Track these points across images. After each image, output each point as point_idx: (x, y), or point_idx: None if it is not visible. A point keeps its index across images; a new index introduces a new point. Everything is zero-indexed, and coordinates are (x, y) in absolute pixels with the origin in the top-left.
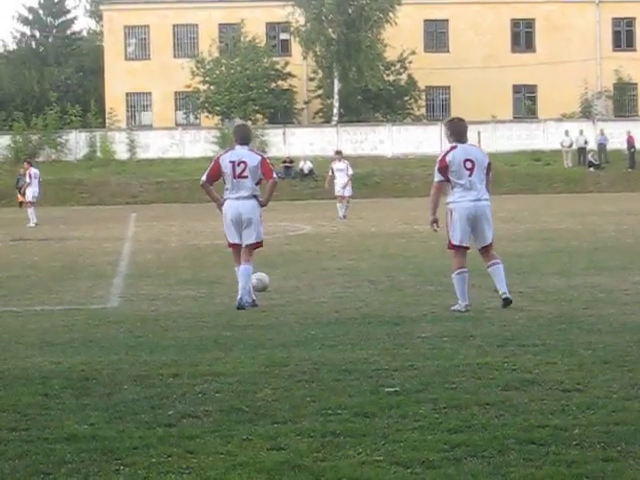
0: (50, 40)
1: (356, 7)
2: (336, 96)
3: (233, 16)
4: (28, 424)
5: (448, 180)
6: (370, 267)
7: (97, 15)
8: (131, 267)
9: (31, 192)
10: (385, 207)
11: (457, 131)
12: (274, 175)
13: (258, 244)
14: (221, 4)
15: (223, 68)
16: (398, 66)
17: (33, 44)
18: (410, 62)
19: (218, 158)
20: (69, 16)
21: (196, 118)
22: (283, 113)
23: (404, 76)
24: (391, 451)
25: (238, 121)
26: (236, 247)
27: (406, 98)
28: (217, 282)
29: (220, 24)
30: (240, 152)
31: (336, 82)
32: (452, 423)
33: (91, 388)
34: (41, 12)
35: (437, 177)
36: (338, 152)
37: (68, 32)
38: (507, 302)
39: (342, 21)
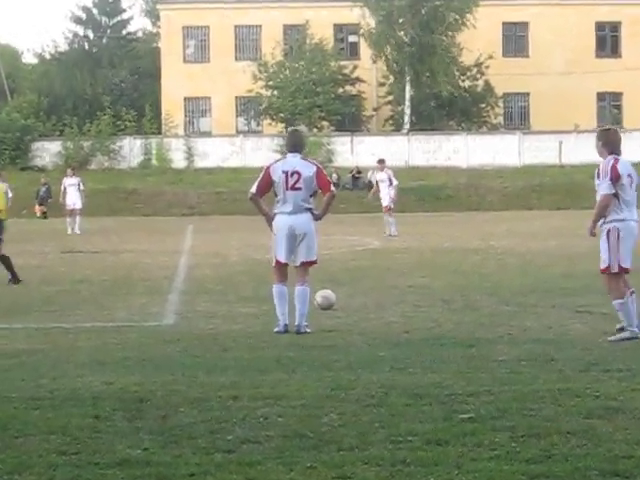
0: (104, 41)
1: (430, 8)
2: (408, 102)
3: (298, 17)
4: (78, 448)
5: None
6: (443, 285)
7: (154, 15)
8: (188, 282)
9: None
10: (459, 221)
11: (614, 142)
12: (332, 187)
13: (313, 262)
14: (285, 4)
15: (287, 72)
16: (474, 71)
17: (86, 45)
18: (487, 67)
19: (269, 168)
20: (124, 16)
21: (258, 125)
22: (351, 120)
23: (480, 82)
24: None
25: (303, 128)
26: (283, 266)
27: (482, 105)
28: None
29: (284, 25)
30: (293, 161)
31: (408, 88)
32: (531, 453)
33: (145, 410)
34: (95, 11)
35: (609, 189)
36: (380, 161)
37: (123, 33)
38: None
39: (415, 23)
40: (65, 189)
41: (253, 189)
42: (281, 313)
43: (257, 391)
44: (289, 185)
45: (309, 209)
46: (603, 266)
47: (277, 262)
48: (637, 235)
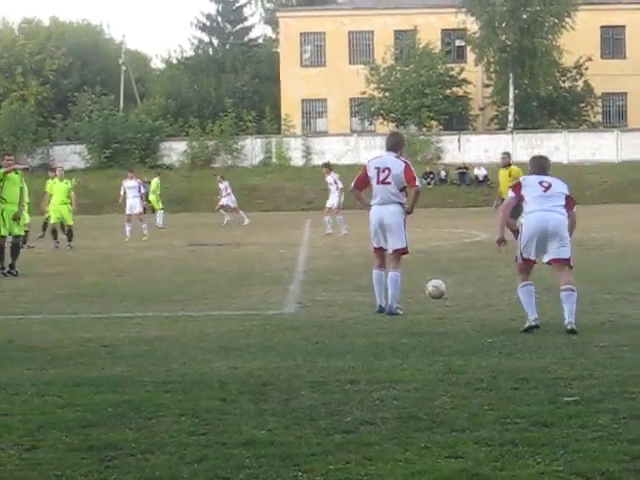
0: (227, 47)
1: (530, 13)
2: (511, 102)
3: (408, 22)
4: (207, 429)
5: None
6: (545, 275)
7: (273, 22)
8: (307, 273)
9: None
10: None
11: None
12: (417, 183)
13: (403, 250)
14: (397, 11)
15: (398, 75)
16: (574, 72)
17: (210, 51)
18: (586, 68)
19: (366, 165)
20: (246, 23)
21: (371, 124)
22: (458, 120)
23: (580, 82)
24: (570, 461)
25: (413, 128)
26: (379, 251)
27: (582, 105)
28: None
29: (395, 30)
30: (386, 159)
31: (511, 89)
32: (633, 434)
33: (269, 393)
34: (219, 19)
35: None
36: (326, 165)
37: (245, 39)
38: None
39: (516, 27)
40: (125, 192)
41: (353, 184)
42: (378, 295)
43: (373, 375)
44: (380, 179)
45: (399, 202)
46: None
47: (373, 248)
48: None
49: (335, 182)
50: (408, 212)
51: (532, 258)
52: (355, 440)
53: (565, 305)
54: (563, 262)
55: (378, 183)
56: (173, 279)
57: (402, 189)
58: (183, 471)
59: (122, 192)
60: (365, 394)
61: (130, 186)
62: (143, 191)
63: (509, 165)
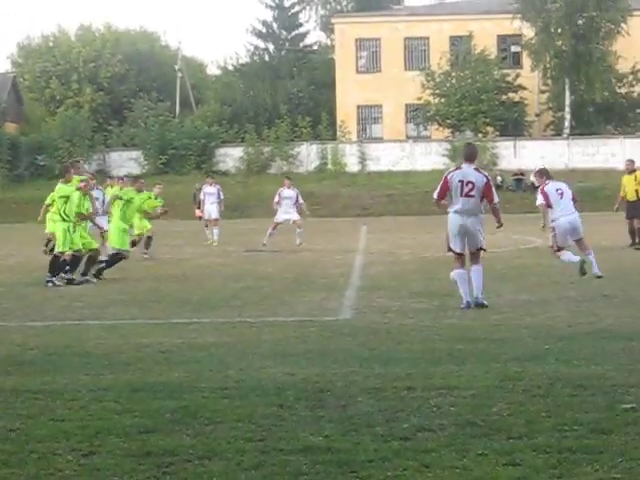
0: (283, 53)
1: (586, 19)
2: (567, 108)
3: (463, 28)
4: (263, 435)
5: None
6: (603, 281)
7: (328, 28)
8: (363, 279)
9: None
10: (617, 221)
11: None
12: (495, 199)
13: (483, 249)
14: (452, 17)
15: (453, 80)
16: (630, 78)
17: (266, 57)
18: None
19: (447, 177)
20: (302, 30)
21: (426, 130)
22: (514, 125)
23: (637, 88)
24: (629, 469)
25: (469, 134)
26: (460, 254)
27: (638, 111)
28: (449, 295)
29: (451, 36)
30: (467, 172)
31: (567, 94)
32: None
33: (325, 400)
34: (275, 26)
35: None
36: (208, 175)
37: (300, 45)
38: None
39: (571, 33)
40: (204, 198)
41: (435, 195)
42: (464, 292)
43: (430, 382)
44: (464, 192)
45: (479, 213)
46: None
47: (455, 253)
48: None
49: (219, 193)
50: (499, 226)
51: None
52: (412, 447)
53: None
54: None
55: (462, 195)
56: (229, 285)
57: (481, 199)
58: (240, 477)
59: (202, 197)
60: (422, 401)
61: (210, 192)
62: (222, 197)
63: (634, 171)
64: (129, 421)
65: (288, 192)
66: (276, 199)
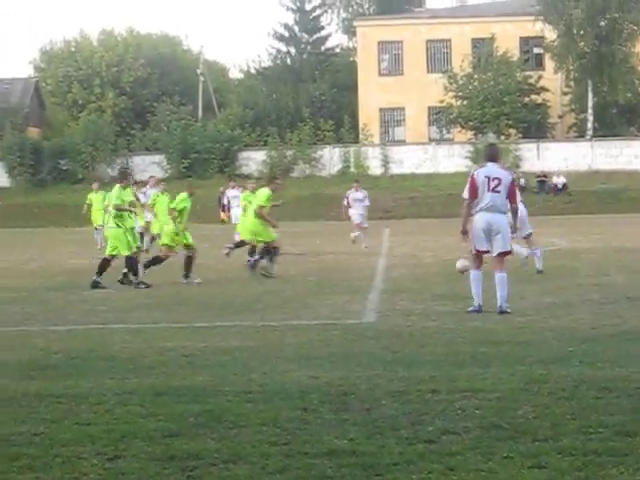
0: (305, 56)
1: (608, 20)
2: (590, 110)
3: (485, 30)
4: (288, 438)
5: None
6: (627, 283)
7: (350, 31)
8: (386, 282)
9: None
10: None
11: None
12: (517, 202)
13: (508, 252)
14: (474, 19)
15: (476, 83)
16: None
17: (288, 60)
18: None
19: (473, 174)
20: (323, 33)
21: (449, 132)
22: (537, 127)
23: None
24: None
25: (491, 136)
26: (481, 254)
27: None
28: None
29: (473, 39)
30: (492, 169)
31: (590, 96)
32: None
33: (349, 403)
34: (296, 29)
35: None
36: (153, 179)
37: (322, 48)
38: None
39: (593, 35)
40: (229, 202)
41: (465, 194)
42: (476, 295)
43: (454, 385)
44: (490, 187)
45: (506, 211)
46: None
47: (477, 251)
48: None
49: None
50: (514, 232)
51: None
52: (437, 450)
53: None
54: None
55: (489, 191)
56: (252, 288)
57: (507, 197)
58: None
59: (225, 202)
60: (446, 403)
61: (234, 195)
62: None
63: None
64: (153, 425)
65: (356, 194)
66: (345, 202)
